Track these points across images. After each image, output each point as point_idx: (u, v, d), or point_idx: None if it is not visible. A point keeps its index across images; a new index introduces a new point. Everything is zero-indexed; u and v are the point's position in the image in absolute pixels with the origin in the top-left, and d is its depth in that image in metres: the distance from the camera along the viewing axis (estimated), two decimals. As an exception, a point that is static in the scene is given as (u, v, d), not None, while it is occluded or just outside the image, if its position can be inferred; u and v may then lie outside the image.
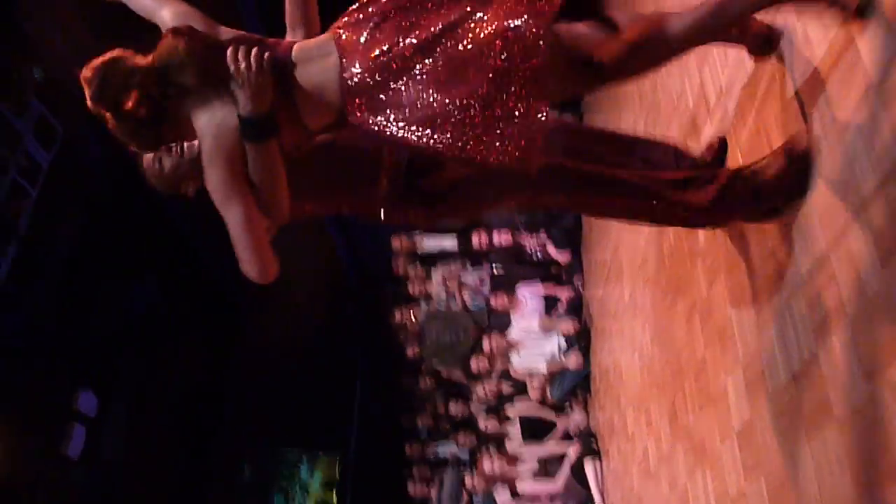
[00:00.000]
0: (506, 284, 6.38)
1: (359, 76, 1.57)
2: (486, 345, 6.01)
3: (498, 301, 6.13)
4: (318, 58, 1.62)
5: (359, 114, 1.59)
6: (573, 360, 5.61)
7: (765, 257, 1.92)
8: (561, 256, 6.20)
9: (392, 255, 7.41)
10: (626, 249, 4.11)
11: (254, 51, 1.56)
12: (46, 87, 6.44)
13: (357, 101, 1.58)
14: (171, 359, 9.39)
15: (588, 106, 5.94)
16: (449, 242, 6.80)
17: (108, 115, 1.63)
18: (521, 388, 5.90)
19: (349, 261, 10.31)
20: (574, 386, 5.60)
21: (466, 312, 6.44)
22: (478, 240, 6.43)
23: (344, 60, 1.58)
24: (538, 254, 6.41)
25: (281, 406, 9.68)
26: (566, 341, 5.76)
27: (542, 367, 5.81)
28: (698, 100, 2.58)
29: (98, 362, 8.05)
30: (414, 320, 6.83)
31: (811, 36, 1.68)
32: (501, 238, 6.39)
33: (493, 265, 6.62)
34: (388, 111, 1.57)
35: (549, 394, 5.74)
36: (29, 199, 6.69)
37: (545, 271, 6.41)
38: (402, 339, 7.03)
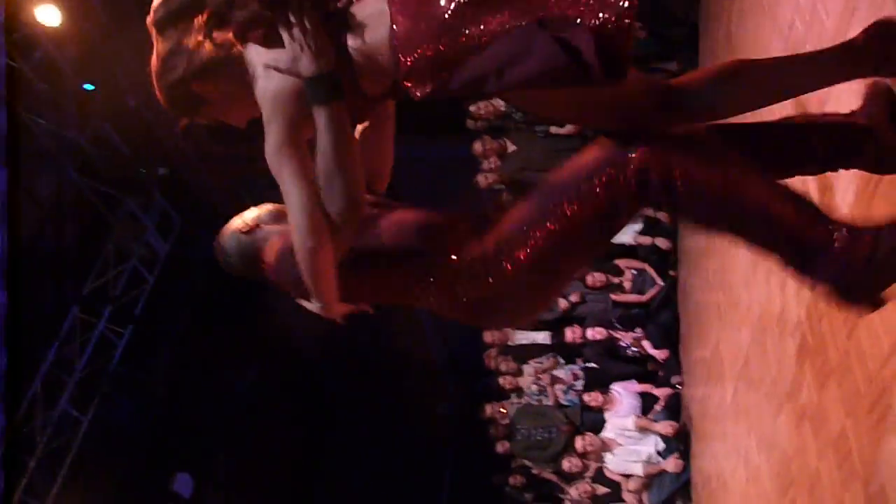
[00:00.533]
0: (600, 381, 6.21)
1: (408, 40, 1.41)
2: (578, 444, 5.81)
3: (592, 398, 5.96)
4: (371, 25, 1.46)
5: (409, 83, 1.43)
6: (672, 464, 5.34)
7: (882, 358, 1.81)
8: (658, 354, 6.01)
9: (484, 348, 7.38)
10: (727, 348, 3.94)
11: (307, 11, 1.41)
12: (168, 184, 7.00)
13: (409, 61, 1.42)
14: (265, 446, 9.56)
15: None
16: (541, 336, 6.72)
17: (159, 40, 1.52)
18: (615, 491, 5.64)
19: (440, 353, 10.33)
20: (673, 492, 5.31)
21: (559, 409, 6.28)
22: (571, 334, 6.34)
23: (395, 26, 1.42)
24: (633, 350, 6.23)
25: (371, 497, 9.59)
26: (664, 443, 5.50)
27: (639, 470, 5.55)
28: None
29: (196, 445, 8.28)
30: (504, 415, 6.70)
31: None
32: (596, 333, 6.27)
33: (587, 360, 6.47)
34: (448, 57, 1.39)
35: (645, 499, 5.46)
36: (146, 285, 7.16)
37: (641, 369, 6.21)
38: (491, 434, 6.89)
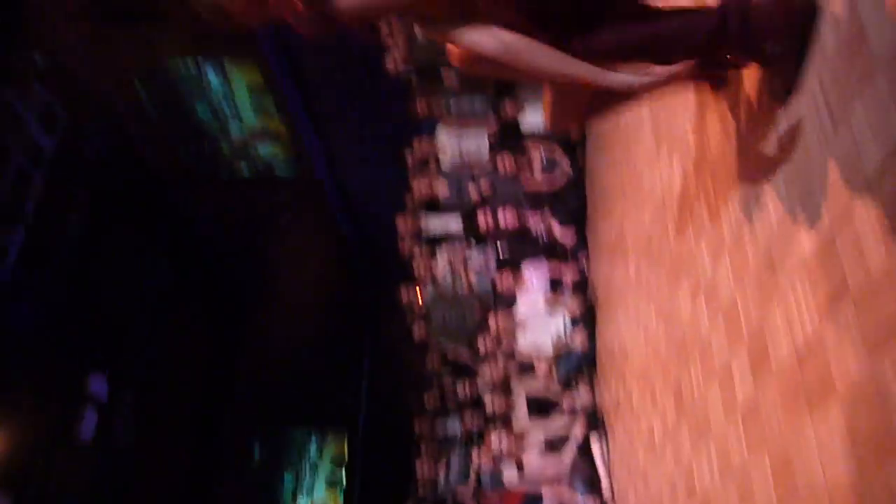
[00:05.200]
0: (511, 264, 6.39)
1: None
2: (492, 324, 6.03)
3: (503, 281, 6.15)
4: None
5: None
6: (579, 339, 5.64)
7: (769, 235, 1.92)
8: (566, 235, 6.20)
9: (398, 236, 7.41)
10: (630, 227, 4.10)
11: None
12: (49, 73, 6.43)
13: None
14: (180, 343, 9.47)
15: None
16: (454, 223, 6.79)
17: None
18: (527, 367, 5.93)
19: (356, 242, 10.32)
20: (580, 364, 5.63)
21: (472, 292, 6.46)
22: (483, 219, 6.43)
23: None
24: (543, 232, 6.41)
25: (290, 387, 9.78)
26: (571, 320, 5.78)
27: (548, 346, 5.83)
28: None
29: (108, 346, 8.12)
30: (420, 300, 6.85)
31: None
32: (506, 217, 6.39)
33: (498, 245, 6.62)
34: None
35: (555, 372, 5.78)
36: (34, 184, 6.70)
37: (550, 250, 6.41)
38: (408, 319, 7.06)
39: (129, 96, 7.74)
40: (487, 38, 1.76)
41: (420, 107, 6.45)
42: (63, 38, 6.21)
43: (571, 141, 6.39)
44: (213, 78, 8.32)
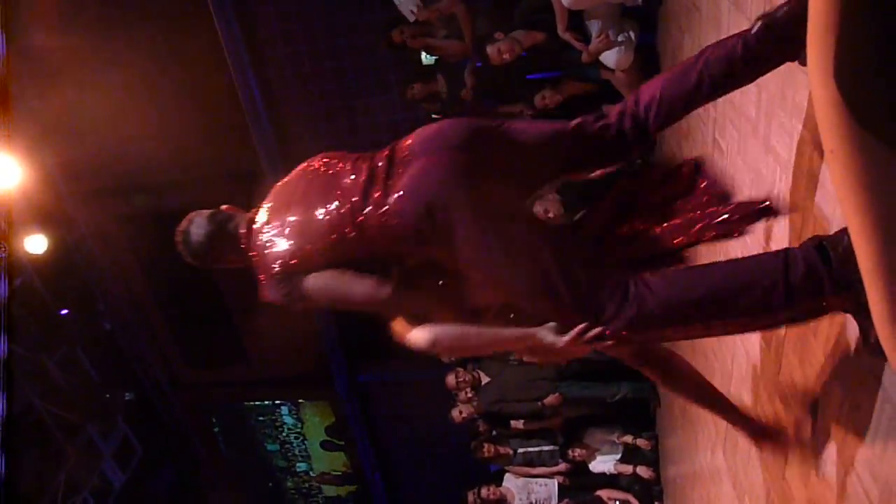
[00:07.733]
0: None
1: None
2: None
3: None
4: None
5: None
6: None
7: None
8: None
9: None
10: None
11: None
12: (135, 409, 6.76)
13: None
14: None
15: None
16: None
17: None
18: None
19: None
20: None
21: None
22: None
23: None
24: None
25: None
26: None
27: None
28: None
29: None
30: None
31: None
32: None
33: None
34: None
35: None
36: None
37: None
38: None
39: (203, 430, 7.97)
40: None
41: (487, 451, 6.34)
42: (155, 374, 6.67)
43: (647, 486, 6.05)
44: (287, 417, 8.56)
